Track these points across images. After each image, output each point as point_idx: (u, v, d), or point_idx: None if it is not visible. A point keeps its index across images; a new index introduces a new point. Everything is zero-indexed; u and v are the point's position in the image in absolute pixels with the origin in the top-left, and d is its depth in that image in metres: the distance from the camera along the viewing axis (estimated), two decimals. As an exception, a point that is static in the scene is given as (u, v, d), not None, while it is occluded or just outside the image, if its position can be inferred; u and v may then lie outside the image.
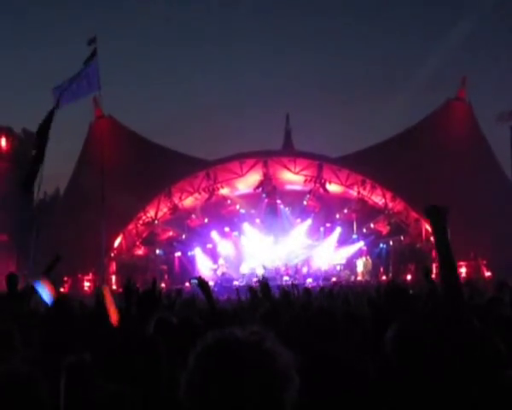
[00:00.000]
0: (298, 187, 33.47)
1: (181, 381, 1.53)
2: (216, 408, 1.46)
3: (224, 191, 33.28)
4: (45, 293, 5.29)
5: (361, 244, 31.86)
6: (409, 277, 29.22)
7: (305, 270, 31.15)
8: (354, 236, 32.22)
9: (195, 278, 5.51)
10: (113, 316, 4.21)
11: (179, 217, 33.40)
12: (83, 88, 18.23)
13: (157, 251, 33.30)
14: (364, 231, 32.60)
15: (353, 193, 32.39)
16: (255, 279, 28.89)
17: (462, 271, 29.00)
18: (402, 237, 30.80)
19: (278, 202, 33.42)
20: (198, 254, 32.29)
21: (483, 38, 51.58)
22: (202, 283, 5.33)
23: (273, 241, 32.09)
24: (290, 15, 73.61)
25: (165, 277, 32.74)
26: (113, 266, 31.96)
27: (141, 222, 32.83)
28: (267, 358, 1.49)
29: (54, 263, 7.81)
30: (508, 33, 53.46)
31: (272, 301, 5.95)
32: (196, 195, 33.03)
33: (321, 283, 27.30)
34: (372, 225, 32.79)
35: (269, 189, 33.15)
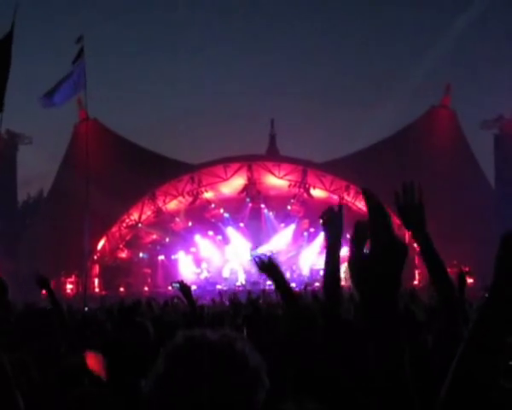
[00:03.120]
0: (282, 192, 33.49)
1: (149, 380, 1.51)
2: (185, 409, 1.45)
3: (208, 195, 33.26)
4: None
5: (344, 250, 31.75)
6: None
7: (288, 275, 31.09)
8: (338, 241, 32.12)
9: (177, 281, 5.51)
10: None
11: (163, 220, 33.31)
12: (70, 88, 17.99)
13: (140, 254, 33.16)
14: (348, 236, 32.52)
15: (337, 198, 32.45)
16: (238, 283, 28.91)
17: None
18: (385, 243, 30.81)
19: (262, 206, 33.36)
20: (181, 257, 32.15)
21: (468, 46, 52.00)
22: (184, 287, 5.33)
23: (256, 245, 32.03)
24: (276, 21, 73.82)
25: (149, 280, 32.63)
26: (96, 269, 31.83)
27: (124, 225, 32.70)
28: (239, 359, 1.48)
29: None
30: (493, 42, 53.99)
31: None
32: (180, 198, 32.99)
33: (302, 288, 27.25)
34: (356, 231, 32.80)
35: (253, 193, 33.13)
